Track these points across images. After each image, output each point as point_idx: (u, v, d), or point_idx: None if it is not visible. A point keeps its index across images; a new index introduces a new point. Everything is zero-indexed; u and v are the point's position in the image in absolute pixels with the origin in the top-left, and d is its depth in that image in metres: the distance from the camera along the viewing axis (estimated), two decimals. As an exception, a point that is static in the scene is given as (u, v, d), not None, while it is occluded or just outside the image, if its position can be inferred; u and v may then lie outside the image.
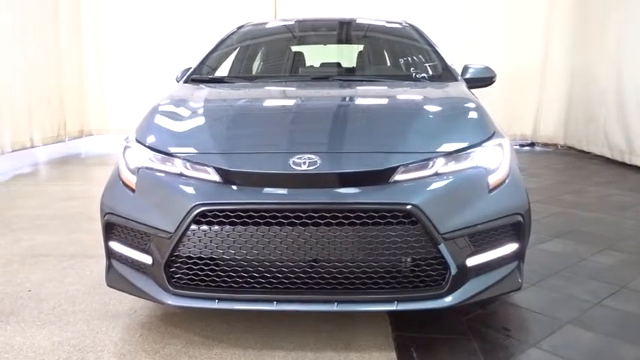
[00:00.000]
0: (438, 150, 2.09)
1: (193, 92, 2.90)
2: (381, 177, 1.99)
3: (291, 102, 2.70)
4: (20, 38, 7.42)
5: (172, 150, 2.16)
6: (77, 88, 8.92)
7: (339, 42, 3.97)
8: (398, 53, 3.89)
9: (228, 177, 2.01)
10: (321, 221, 1.92)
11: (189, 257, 2.01)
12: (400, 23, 3.85)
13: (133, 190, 2.17)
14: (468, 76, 3.32)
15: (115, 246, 2.23)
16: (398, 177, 2.00)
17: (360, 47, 3.86)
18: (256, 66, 3.90)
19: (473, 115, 2.42)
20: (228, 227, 1.95)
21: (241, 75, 3.39)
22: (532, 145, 8.91)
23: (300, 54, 3.94)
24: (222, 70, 3.51)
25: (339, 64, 3.79)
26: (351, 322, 2.36)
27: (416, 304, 2.01)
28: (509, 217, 2.12)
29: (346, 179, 1.99)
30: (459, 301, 2.03)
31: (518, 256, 2.20)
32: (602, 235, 3.74)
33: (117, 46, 9.06)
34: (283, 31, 4.14)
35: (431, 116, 2.38)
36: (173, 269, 2.04)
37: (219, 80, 3.22)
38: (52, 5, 8.16)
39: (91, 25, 9.00)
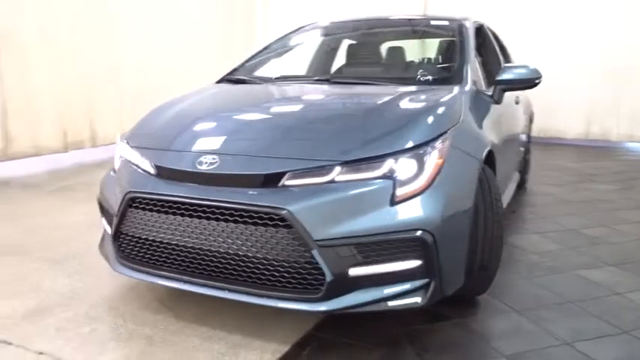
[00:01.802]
0: (337, 158, 2.11)
1: (200, 93, 3.19)
2: (269, 181, 2.11)
3: (241, 102, 2.87)
4: (207, 47, 9.06)
5: (135, 144, 2.57)
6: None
7: (380, 41, 3.89)
8: (424, 53, 3.66)
9: (157, 171, 2.35)
10: (212, 216, 2.14)
11: (127, 234, 2.41)
12: (453, 21, 3.61)
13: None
14: (503, 77, 3.09)
15: (103, 219, 2.75)
16: (287, 182, 2.10)
17: (393, 46, 3.72)
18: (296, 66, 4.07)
19: (405, 123, 2.30)
20: (149, 213, 2.30)
21: (264, 75, 3.54)
22: None
23: (332, 55, 3.98)
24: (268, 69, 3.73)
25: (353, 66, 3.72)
26: (283, 316, 2.49)
27: (290, 304, 2.09)
28: (411, 231, 2.04)
29: (237, 180, 2.16)
30: (335, 309, 2.06)
31: (428, 273, 2.09)
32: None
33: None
34: (331, 32, 4.23)
35: (352, 123, 2.34)
36: (119, 242, 2.47)
37: (242, 81, 3.46)
38: (229, 22, 9.71)
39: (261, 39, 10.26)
